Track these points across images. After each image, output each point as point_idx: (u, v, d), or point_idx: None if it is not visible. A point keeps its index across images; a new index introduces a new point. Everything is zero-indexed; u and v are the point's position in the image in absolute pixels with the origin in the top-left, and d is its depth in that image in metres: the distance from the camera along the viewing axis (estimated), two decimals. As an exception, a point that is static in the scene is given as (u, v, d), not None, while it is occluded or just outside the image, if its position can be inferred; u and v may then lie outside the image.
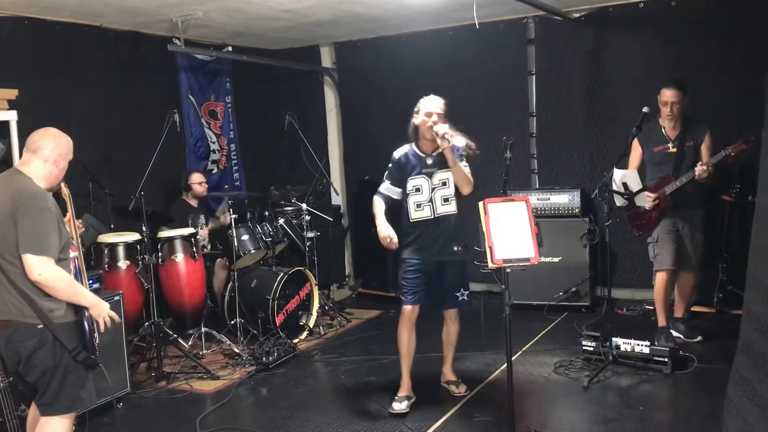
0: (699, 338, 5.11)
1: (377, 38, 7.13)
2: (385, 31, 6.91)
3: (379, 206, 4.20)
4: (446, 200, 4.13)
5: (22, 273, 2.93)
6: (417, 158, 4.19)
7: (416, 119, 4.17)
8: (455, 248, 4.14)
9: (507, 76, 6.60)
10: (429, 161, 4.17)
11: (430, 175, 4.14)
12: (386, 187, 4.24)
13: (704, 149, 4.83)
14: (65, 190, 3.36)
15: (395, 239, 4.07)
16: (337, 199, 7.61)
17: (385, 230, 4.09)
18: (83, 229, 3.49)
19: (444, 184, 4.12)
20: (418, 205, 4.14)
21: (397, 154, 4.26)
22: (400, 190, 4.20)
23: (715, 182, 4.84)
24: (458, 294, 4.29)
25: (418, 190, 4.15)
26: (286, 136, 7.04)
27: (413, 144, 4.24)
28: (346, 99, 7.62)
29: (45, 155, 3.11)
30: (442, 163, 4.11)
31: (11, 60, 5.14)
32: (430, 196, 4.13)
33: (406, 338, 4.26)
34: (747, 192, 5.12)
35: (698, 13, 5.66)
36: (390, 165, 4.26)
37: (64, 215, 3.32)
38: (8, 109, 4.67)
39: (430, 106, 4.13)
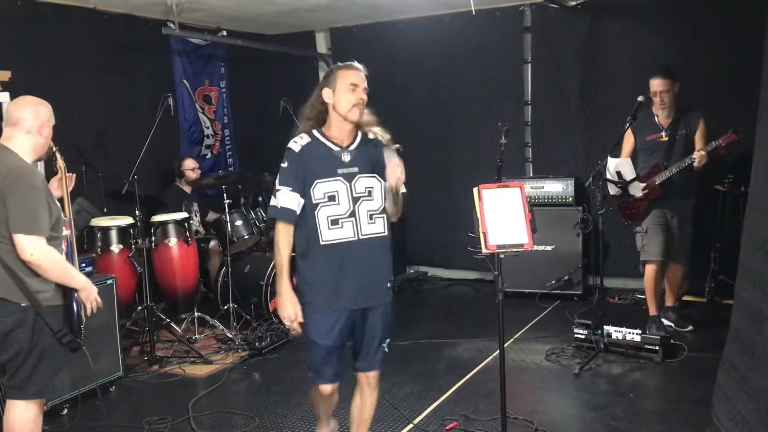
0: (690, 327, 5.14)
1: (373, 24, 7.10)
2: (380, 16, 6.88)
3: (285, 245, 2.91)
4: (373, 217, 2.95)
5: (12, 251, 2.88)
6: (327, 152, 2.93)
7: (332, 95, 2.92)
8: (387, 285, 3.04)
9: (502, 63, 6.59)
10: (346, 157, 2.93)
11: (349, 179, 2.91)
12: (286, 197, 2.89)
13: (698, 137, 4.83)
14: (61, 163, 3.28)
15: (300, 319, 2.93)
16: (331, 185, 7.58)
17: (290, 305, 2.92)
18: (73, 185, 3.39)
19: (369, 194, 2.94)
20: (334, 222, 2.89)
21: (296, 145, 2.92)
22: (302, 200, 2.91)
23: (706, 172, 4.83)
24: (384, 346, 3.12)
25: (332, 198, 2.89)
26: (281, 122, 7.00)
27: (318, 131, 2.97)
28: (341, 85, 7.58)
29: (27, 126, 3.00)
30: (365, 163, 2.94)
31: (4, 41, 5.09)
32: (352, 209, 2.91)
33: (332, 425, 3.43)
34: (740, 182, 5.14)
35: (695, 2, 5.65)
36: (285, 163, 2.92)
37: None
38: (1, 91, 4.64)
39: (356, 77, 2.97)
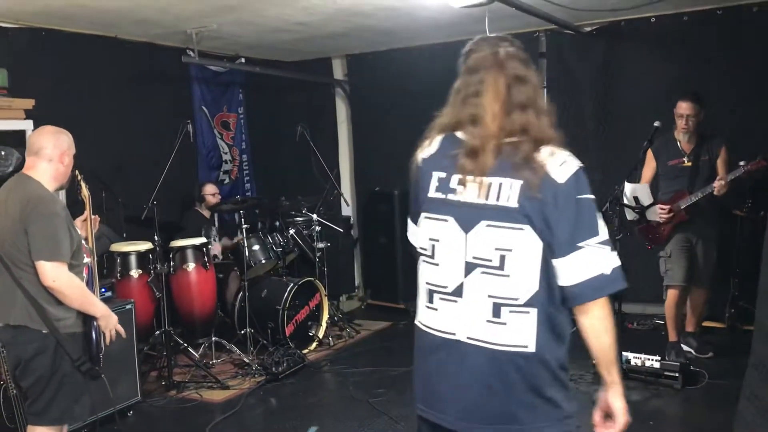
0: (710, 354, 5.08)
1: (389, 51, 7.17)
2: (396, 43, 6.95)
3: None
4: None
5: (35, 280, 2.92)
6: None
7: None
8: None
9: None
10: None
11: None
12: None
13: (720, 164, 4.83)
14: (85, 191, 3.33)
15: None
16: (348, 210, 7.63)
17: None
18: (97, 228, 3.44)
19: (503, 258, 1.78)
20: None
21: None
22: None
23: (729, 197, 4.83)
24: None
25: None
26: (298, 147, 7.07)
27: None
28: (357, 111, 7.66)
29: (48, 154, 3.05)
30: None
31: (29, 70, 5.20)
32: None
33: None
34: (759, 207, 5.11)
35: (710, 28, 5.66)
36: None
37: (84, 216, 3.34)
38: (25, 119, 4.74)
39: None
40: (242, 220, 5.55)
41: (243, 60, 7.03)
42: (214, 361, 5.37)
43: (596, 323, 1.85)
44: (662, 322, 5.38)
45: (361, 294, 7.62)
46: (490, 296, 1.79)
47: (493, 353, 1.80)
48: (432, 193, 1.91)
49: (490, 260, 1.79)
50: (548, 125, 1.86)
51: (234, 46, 6.70)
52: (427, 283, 1.93)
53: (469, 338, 1.82)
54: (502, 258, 1.78)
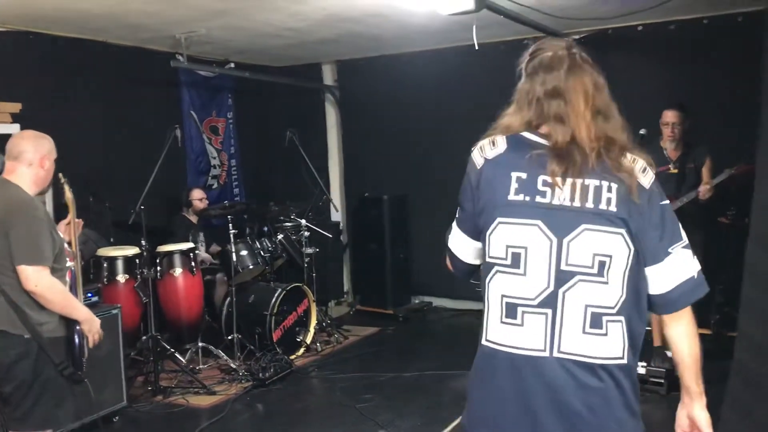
0: (695, 360, 5.10)
1: (379, 57, 7.19)
2: (386, 50, 6.97)
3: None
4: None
5: (16, 284, 2.89)
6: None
7: None
8: None
9: (507, 96, 6.61)
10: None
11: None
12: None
13: (705, 171, 4.91)
14: (69, 194, 3.30)
15: None
16: (337, 215, 7.64)
17: None
18: (80, 231, 3.41)
19: (602, 264, 1.67)
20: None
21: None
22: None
23: (710, 204, 4.89)
24: None
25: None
26: (287, 153, 7.08)
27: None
28: (347, 116, 7.68)
29: (28, 158, 3.02)
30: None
31: (16, 74, 5.18)
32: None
33: None
34: (743, 214, 5.14)
35: (697, 36, 5.71)
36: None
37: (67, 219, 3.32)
38: (11, 122, 4.72)
39: None
40: (230, 225, 5.54)
41: (232, 65, 7.02)
42: (201, 366, 5.35)
43: (690, 329, 1.84)
44: (648, 328, 5.40)
45: (350, 300, 7.62)
46: (588, 305, 1.66)
47: (592, 368, 1.67)
48: (512, 195, 1.71)
49: (589, 267, 1.66)
50: (624, 132, 1.83)
51: (223, 51, 6.70)
52: (506, 296, 1.71)
53: (562, 353, 1.66)
54: (602, 264, 1.66)
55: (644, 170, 1.76)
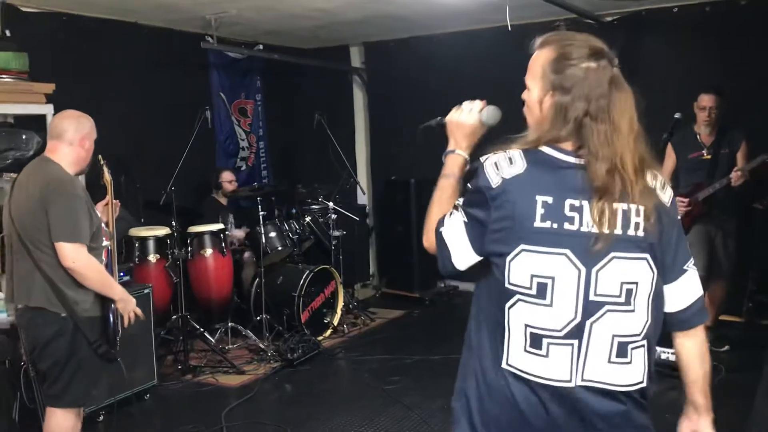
0: (726, 347, 5.05)
1: (407, 38, 7.14)
2: (415, 31, 6.92)
3: None
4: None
5: (54, 262, 2.93)
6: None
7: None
8: None
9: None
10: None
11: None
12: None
13: (740, 156, 4.81)
14: (107, 176, 3.35)
15: None
16: (363, 198, 7.64)
17: None
18: (118, 212, 3.46)
19: (629, 292, 1.61)
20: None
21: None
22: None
23: (744, 190, 4.79)
24: None
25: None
26: (315, 135, 7.08)
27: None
28: (375, 99, 7.65)
29: (69, 138, 3.07)
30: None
31: (49, 55, 5.23)
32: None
33: None
34: (780, 201, 5.06)
35: (734, 18, 5.59)
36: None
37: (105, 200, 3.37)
38: (45, 103, 4.76)
39: None
40: (259, 207, 5.57)
41: (261, 47, 7.03)
42: (230, 346, 5.41)
43: (704, 347, 1.83)
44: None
45: (375, 282, 7.64)
46: (615, 335, 1.61)
47: (615, 396, 1.64)
48: (538, 222, 1.57)
49: (617, 296, 1.60)
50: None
51: (252, 32, 6.70)
52: (530, 326, 1.60)
53: (585, 381, 1.61)
54: (629, 292, 1.60)
55: (663, 186, 1.69)
